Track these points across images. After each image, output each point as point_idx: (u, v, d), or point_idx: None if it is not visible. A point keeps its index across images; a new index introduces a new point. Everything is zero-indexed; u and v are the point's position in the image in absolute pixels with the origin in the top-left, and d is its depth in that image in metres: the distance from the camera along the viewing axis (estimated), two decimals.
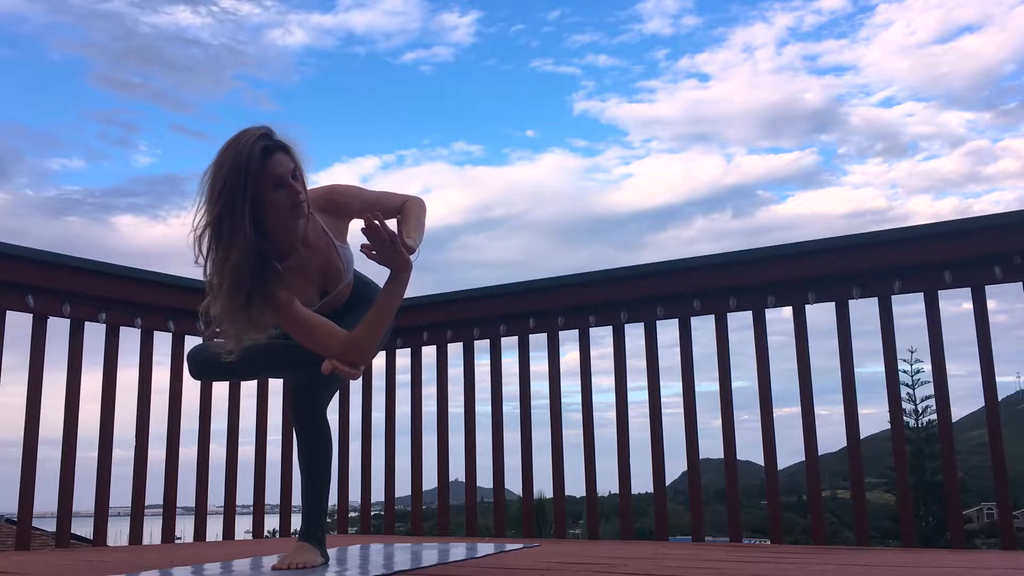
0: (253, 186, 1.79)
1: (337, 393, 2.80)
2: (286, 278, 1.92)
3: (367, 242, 1.87)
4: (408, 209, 2.11)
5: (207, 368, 2.18)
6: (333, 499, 3.10)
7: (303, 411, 2.17)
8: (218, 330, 1.91)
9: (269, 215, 1.84)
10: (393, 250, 1.87)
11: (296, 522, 2.55)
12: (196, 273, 1.87)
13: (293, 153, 1.88)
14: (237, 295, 1.80)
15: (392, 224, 1.90)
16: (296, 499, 2.36)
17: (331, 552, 2.30)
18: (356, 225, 2.12)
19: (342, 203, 2.06)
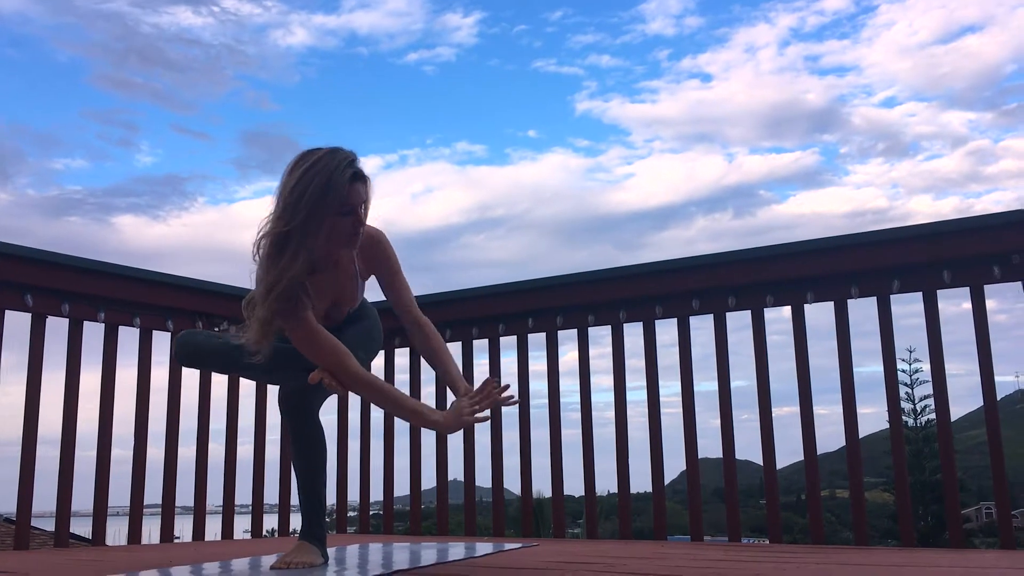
0: (332, 206, 1.82)
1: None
2: (309, 289, 1.94)
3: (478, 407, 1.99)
4: (445, 356, 2.14)
5: (195, 355, 2.16)
6: (332, 498, 3.09)
7: (295, 412, 2.17)
8: (237, 332, 1.95)
9: (328, 236, 1.87)
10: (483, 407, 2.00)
11: (295, 522, 2.55)
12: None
13: (370, 185, 1.91)
14: (287, 303, 1.84)
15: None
16: (295, 499, 2.36)
17: (330, 551, 2.30)
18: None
19: (378, 255, 2.07)
